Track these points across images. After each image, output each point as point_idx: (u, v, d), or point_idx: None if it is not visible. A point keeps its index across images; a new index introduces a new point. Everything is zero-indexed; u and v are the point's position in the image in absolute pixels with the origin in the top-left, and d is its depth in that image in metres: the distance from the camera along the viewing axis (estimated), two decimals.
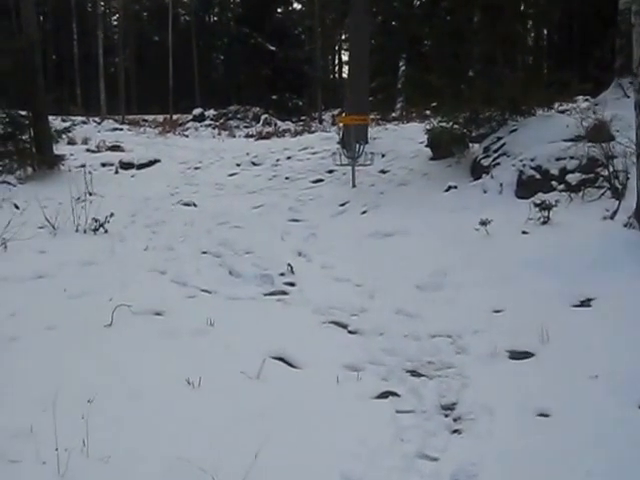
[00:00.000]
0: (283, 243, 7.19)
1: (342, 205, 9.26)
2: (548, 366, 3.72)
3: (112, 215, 8.17)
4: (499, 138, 9.45)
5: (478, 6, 10.59)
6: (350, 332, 4.53)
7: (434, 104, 10.85)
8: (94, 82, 29.11)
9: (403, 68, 21.37)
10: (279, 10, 29.09)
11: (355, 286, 5.60)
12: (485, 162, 9.17)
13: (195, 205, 9.94)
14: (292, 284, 5.72)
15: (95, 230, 8.09)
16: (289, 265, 5.93)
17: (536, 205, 6.22)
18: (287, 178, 11.46)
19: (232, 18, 31.04)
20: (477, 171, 9.31)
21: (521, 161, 8.35)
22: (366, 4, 12.92)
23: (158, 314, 4.66)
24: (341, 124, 11.74)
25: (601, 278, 4.94)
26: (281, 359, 3.92)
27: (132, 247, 7.27)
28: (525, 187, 8.04)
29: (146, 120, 25.50)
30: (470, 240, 6.14)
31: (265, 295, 5.44)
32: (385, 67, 22.16)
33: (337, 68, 43.11)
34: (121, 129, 21.91)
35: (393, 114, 20.74)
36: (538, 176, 8.05)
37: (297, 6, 36.69)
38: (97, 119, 24.52)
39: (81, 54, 31.68)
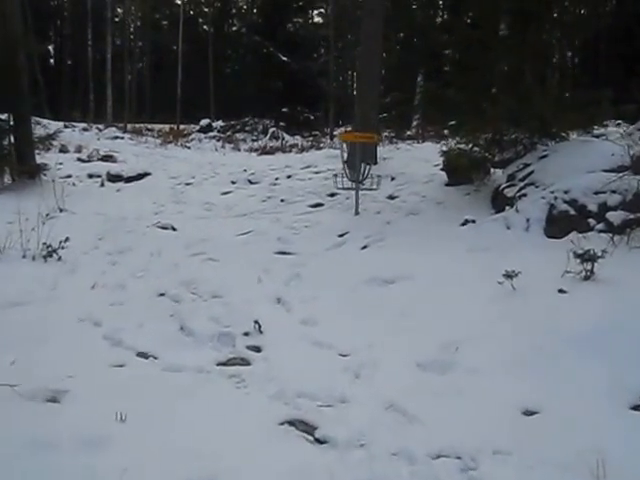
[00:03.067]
0: (260, 285, 5.89)
1: (341, 236, 7.96)
2: None
3: (67, 240, 6.97)
4: (526, 165, 8.16)
5: (506, 14, 9.33)
6: (318, 441, 3.18)
7: (452, 122, 9.53)
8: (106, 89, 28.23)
9: (421, 84, 20.09)
10: (297, 20, 28.02)
11: (339, 356, 4.27)
12: (509, 192, 7.88)
13: (174, 229, 8.68)
14: (257, 349, 4.40)
15: (47, 257, 6.89)
16: (256, 323, 4.61)
17: (577, 256, 4.87)
18: (283, 200, 10.17)
19: (254, 31, 29.98)
20: (499, 202, 8.02)
21: (552, 193, 7.09)
22: (380, 11, 11.67)
23: (54, 400, 3.36)
24: (346, 141, 10.31)
25: None
26: None
27: (79, 282, 6.03)
28: (557, 224, 6.79)
29: (150, 129, 24.41)
30: (491, 297, 4.80)
31: (218, 365, 4.12)
32: (402, 81, 20.90)
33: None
34: (122, 138, 20.85)
35: (408, 132, 19.42)
36: (572, 212, 6.82)
37: (318, 19, 35.82)
38: (101, 126, 23.55)
39: (95, 60, 30.83)
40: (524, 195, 7.52)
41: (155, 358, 4.19)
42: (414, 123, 20.88)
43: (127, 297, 5.49)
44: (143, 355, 4.23)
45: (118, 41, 36.74)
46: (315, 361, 4.15)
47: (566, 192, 6.94)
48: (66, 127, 22.23)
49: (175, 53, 33.17)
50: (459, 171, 9.23)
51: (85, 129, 22.17)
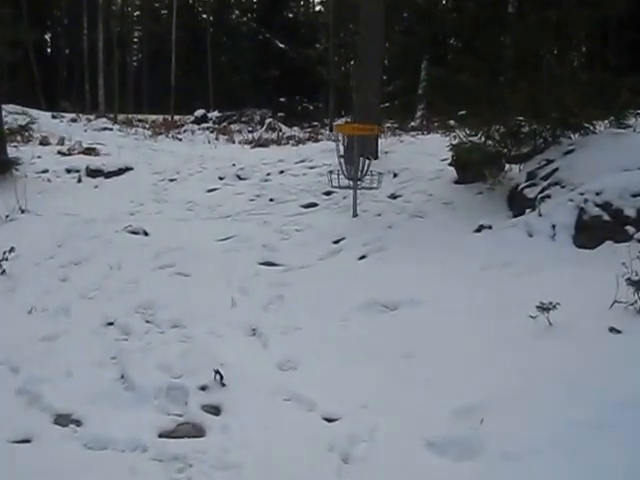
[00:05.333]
0: (234, 310, 4.83)
1: (336, 242, 6.90)
2: None
3: (12, 250, 5.96)
4: (549, 161, 7.08)
5: None
6: None
7: (463, 112, 8.42)
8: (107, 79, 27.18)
9: (425, 71, 18.93)
10: (296, 5, 26.92)
11: (322, 422, 3.21)
12: (530, 193, 6.82)
13: (146, 234, 7.61)
14: (216, 410, 3.33)
15: None
16: (217, 373, 3.54)
17: (631, 283, 3.81)
18: (272, 200, 9.07)
19: (252, 19, 28.79)
20: (518, 204, 6.96)
21: (582, 194, 6.08)
22: None
23: None
24: (344, 134, 9.18)
25: None
26: None
27: (17, 305, 5.03)
28: (588, 232, 5.82)
29: (142, 120, 23.32)
30: (522, 336, 3.73)
31: (161, 436, 3.08)
32: (405, 69, 19.72)
33: None
34: (111, 129, 19.78)
35: (412, 123, 18.26)
36: (606, 217, 5.85)
37: (318, 8, 34.60)
38: (91, 117, 22.51)
39: (91, 50, 29.70)
40: (548, 196, 6.49)
41: (78, 424, 3.15)
42: (418, 113, 19.72)
43: (66, 328, 4.44)
44: (63, 420, 3.18)
45: (117, 28, 35.61)
46: (290, 431, 3.10)
47: (598, 194, 5.94)
48: (54, 117, 21.16)
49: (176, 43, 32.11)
50: (470, 167, 8.14)
51: (74, 120, 21.11)
